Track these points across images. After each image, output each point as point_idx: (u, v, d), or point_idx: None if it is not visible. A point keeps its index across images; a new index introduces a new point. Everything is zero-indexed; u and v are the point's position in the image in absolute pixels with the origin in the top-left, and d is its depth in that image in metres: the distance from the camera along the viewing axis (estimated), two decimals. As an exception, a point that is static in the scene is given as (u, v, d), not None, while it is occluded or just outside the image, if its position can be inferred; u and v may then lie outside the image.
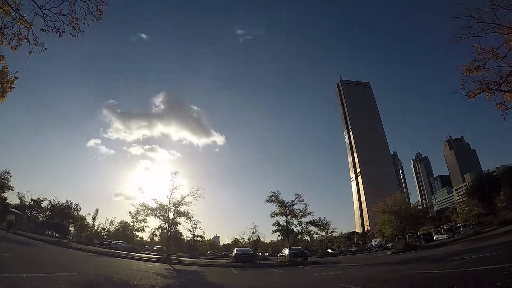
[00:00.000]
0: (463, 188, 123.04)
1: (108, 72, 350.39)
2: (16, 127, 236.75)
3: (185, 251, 49.68)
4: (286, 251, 28.72)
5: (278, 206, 27.75)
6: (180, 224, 29.44)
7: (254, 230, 43.16)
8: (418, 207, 35.43)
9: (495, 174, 69.93)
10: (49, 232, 49.84)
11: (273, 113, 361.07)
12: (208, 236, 79.30)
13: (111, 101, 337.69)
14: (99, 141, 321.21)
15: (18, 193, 47.09)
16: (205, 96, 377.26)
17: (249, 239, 45.67)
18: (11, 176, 41.78)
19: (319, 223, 37.88)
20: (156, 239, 57.20)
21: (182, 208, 27.01)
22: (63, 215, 46.97)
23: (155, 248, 49.22)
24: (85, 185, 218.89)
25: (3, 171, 41.30)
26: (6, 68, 7.87)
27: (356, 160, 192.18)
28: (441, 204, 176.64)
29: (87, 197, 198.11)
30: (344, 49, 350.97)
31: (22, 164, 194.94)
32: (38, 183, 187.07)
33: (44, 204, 48.54)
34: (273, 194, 28.02)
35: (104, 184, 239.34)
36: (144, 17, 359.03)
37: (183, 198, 26.72)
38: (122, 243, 41.89)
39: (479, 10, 9.19)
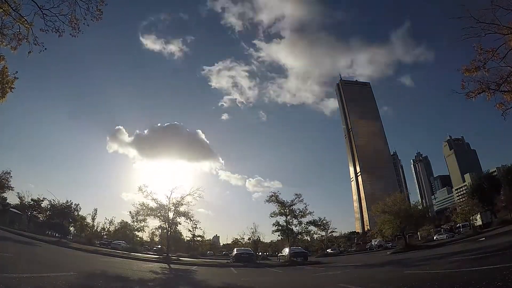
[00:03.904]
0: (463, 188, 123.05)
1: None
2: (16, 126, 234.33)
3: (185, 251, 49.70)
4: (286, 251, 28.72)
5: (278, 206, 27.79)
6: (180, 224, 29.53)
7: (254, 230, 43.32)
8: (418, 207, 35.46)
9: (495, 174, 69.87)
10: (49, 232, 49.75)
11: (273, 113, 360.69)
12: (208, 236, 79.46)
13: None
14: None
15: (18, 193, 47.15)
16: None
17: (249, 239, 45.87)
18: (11, 176, 41.80)
19: (319, 223, 37.86)
20: (156, 239, 57.28)
21: (182, 208, 27.06)
22: (63, 215, 46.99)
23: (155, 248, 49.22)
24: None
25: (3, 171, 41.33)
26: (6, 68, 7.87)
27: (356, 160, 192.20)
28: (441, 204, 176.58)
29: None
30: (344, 48, 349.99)
31: (22, 164, 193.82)
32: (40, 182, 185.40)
33: (44, 204, 48.57)
34: (273, 194, 28.14)
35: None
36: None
37: (183, 198, 26.77)
38: (122, 243, 41.89)
39: (479, 11, 9.20)
